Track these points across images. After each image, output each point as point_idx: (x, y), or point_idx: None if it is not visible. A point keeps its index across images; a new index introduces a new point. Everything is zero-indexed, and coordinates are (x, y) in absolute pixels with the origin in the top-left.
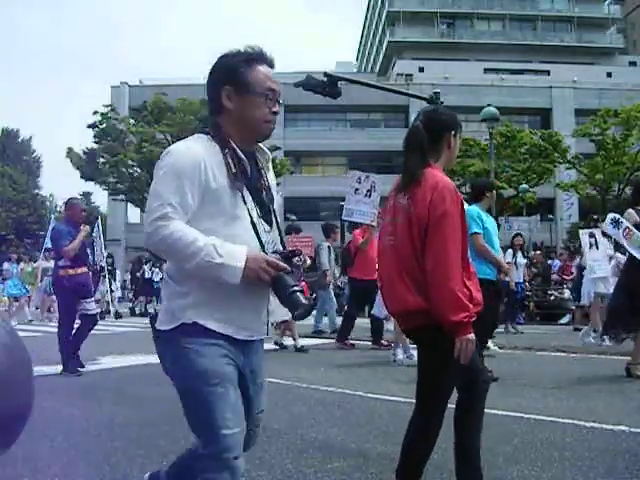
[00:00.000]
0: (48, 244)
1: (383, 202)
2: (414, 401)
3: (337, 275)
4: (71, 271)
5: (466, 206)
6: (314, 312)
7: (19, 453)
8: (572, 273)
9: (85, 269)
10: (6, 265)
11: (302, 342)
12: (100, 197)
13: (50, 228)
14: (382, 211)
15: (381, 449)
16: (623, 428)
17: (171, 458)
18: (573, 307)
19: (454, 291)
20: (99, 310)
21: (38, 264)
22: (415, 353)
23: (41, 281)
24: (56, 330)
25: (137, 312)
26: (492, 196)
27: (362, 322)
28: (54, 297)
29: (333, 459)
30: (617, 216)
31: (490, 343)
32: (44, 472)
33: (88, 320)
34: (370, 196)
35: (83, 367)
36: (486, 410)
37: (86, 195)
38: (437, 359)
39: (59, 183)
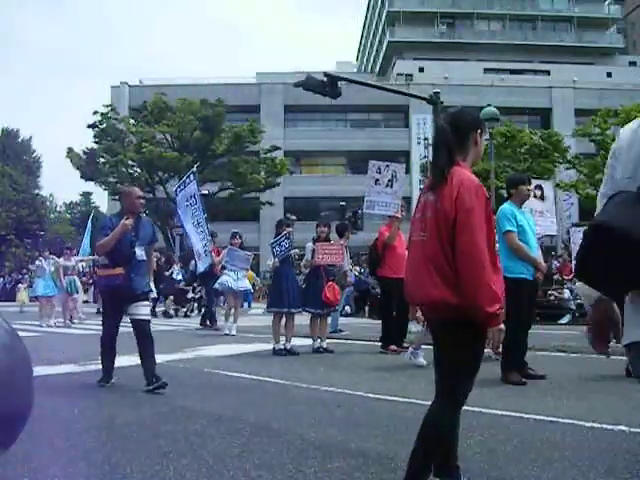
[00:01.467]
0: (86, 245)
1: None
2: (414, 401)
3: (352, 274)
4: (104, 271)
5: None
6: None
7: (19, 453)
8: (572, 273)
9: (121, 269)
10: (37, 263)
11: (301, 342)
12: (100, 197)
13: (89, 222)
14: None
15: (381, 449)
16: (623, 428)
17: (171, 458)
18: (574, 307)
19: (488, 283)
20: (148, 317)
21: (59, 263)
22: (420, 354)
23: (62, 280)
24: (62, 331)
25: (172, 314)
26: (519, 192)
27: (361, 322)
28: (75, 296)
29: (333, 459)
30: None
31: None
32: (44, 472)
33: (136, 326)
34: (392, 186)
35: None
36: (486, 410)
37: (86, 195)
38: (458, 352)
39: (59, 183)
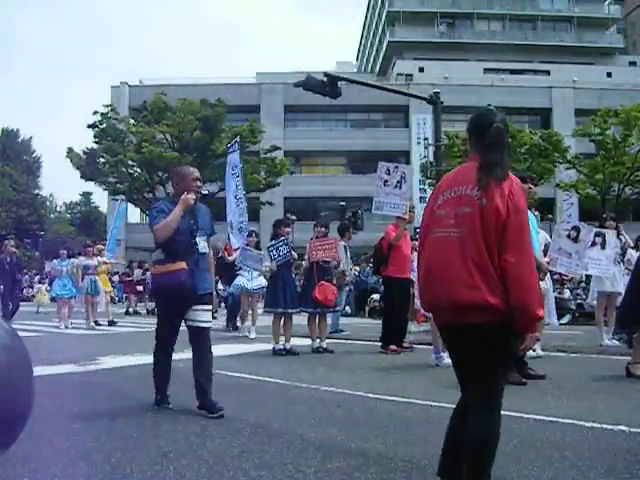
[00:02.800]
0: (113, 241)
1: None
2: (414, 401)
3: (351, 274)
4: (161, 267)
5: None
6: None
7: (19, 453)
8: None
9: (184, 264)
10: (55, 262)
11: (301, 342)
12: (100, 197)
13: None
14: (433, 203)
15: (381, 449)
16: (623, 428)
17: (171, 458)
18: (574, 307)
19: (538, 287)
20: (209, 323)
21: (78, 261)
22: (444, 356)
23: (82, 280)
24: (62, 331)
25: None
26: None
27: (361, 322)
28: (96, 299)
29: (333, 459)
30: (601, 231)
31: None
32: (44, 472)
33: (194, 334)
34: (401, 187)
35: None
36: None
37: (86, 195)
38: (491, 354)
39: (59, 183)
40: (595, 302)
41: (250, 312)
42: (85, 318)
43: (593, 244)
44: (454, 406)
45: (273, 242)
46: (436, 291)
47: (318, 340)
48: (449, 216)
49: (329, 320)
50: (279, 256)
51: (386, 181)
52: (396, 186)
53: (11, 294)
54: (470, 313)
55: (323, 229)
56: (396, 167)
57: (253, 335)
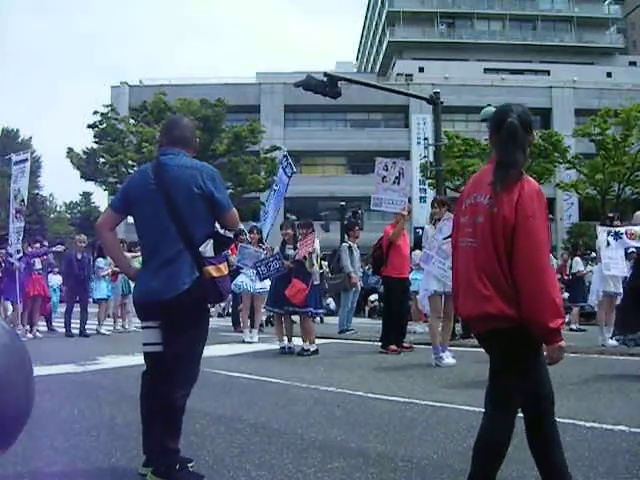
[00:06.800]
0: None
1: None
2: (414, 401)
3: (360, 274)
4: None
5: None
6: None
7: (19, 453)
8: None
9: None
10: (100, 261)
11: (298, 342)
12: (100, 197)
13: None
14: (456, 210)
15: (381, 449)
16: (623, 428)
17: None
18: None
19: (552, 297)
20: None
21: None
22: (444, 356)
23: (116, 279)
24: (62, 331)
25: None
26: None
27: (362, 321)
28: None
29: (333, 459)
30: (611, 230)
31: None
32: (44, 472)
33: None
34: (399, 183)
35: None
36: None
37: (86, 195)
38: (512, 363)
39: (59, 183)
40: (597, 302)
41: (248, 314)
42: (119, 320)
43: (608, 244)
44: (454, 406)
45: (263, 258)
46: (463, 302)
47: (286, 340)
48: (468, 224)
49: (332, 319)
50: (269, 271)
51: (384, 177)
52: (394, 182)
53: (81, 294)
54: (489, 321)
55: (289, 231)
56: (394, 163)
57: (255, 339)
